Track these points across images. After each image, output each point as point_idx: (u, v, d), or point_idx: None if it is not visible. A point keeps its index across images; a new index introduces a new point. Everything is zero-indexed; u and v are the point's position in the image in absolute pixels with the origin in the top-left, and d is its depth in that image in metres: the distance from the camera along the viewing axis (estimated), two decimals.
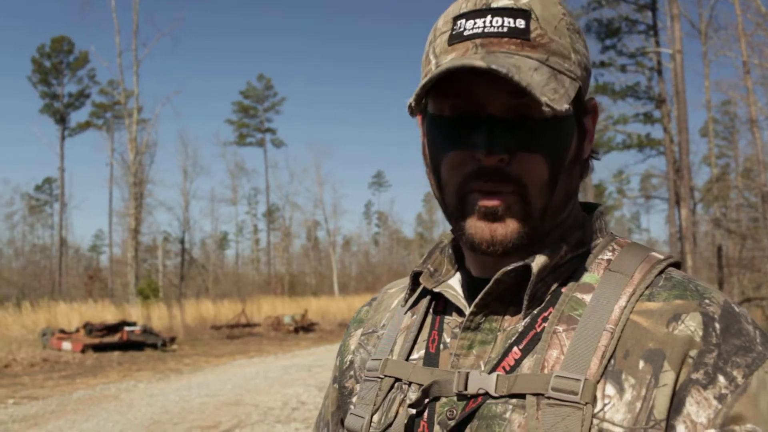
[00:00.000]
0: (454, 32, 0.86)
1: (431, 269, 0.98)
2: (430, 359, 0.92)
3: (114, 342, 18.19)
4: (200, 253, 55.16)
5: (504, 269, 0.86)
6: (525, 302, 0.86)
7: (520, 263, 0.86)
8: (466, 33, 0.85)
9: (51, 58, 49.51)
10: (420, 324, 0.98)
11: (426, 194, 73.88)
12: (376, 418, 0.93)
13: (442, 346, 0.92)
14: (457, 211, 0.88)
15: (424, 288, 0.99)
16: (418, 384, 0.90)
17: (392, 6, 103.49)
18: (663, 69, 26.29)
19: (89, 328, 18.91)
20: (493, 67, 0.77)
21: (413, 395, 0.90)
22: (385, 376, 0.95)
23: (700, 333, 0.79)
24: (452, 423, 0.85)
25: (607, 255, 0.90)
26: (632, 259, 0.88)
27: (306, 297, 37.58)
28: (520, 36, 0.83)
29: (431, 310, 0.98)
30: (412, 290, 1.00)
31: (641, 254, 0.89)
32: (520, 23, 0.83)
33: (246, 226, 64.05)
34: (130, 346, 18.24)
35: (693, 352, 0.78)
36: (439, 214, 72.30)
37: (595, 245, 0.92)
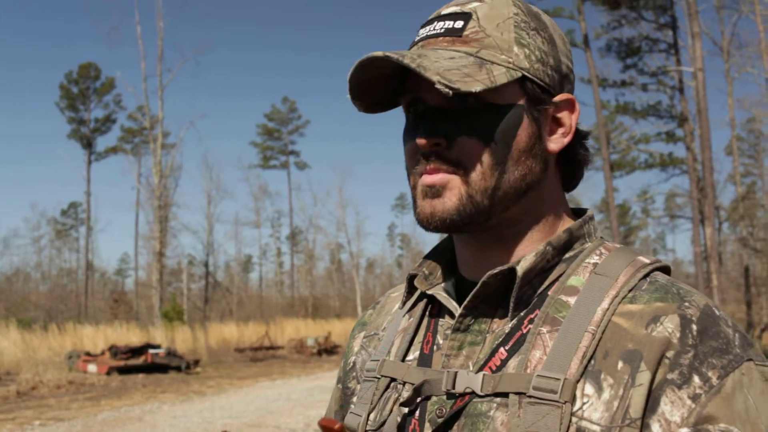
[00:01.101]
0: (413, 41, 0.97)
1: (426, 272, 1.01)
2: (424, 360, 0.96)
3: (138, 364, 18.32)
4: (224, 276, 55.44)
5: (490, 272, 0.89)
6: (511, 304, 0.89)
7: (505, 267, 0.89)
8: (416, 39, 0.96)
9: (78, 84, 50.42)
10: (416, 326, 1.01)
11: None
12: (372, 416, 0.97)
13: (435, 347, 0.96)
14: (412, 195, 0.94)
15: (422, 291, 1.02)
16: (411, 384, 0.94)
17: (414, 26, 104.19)
18: (685, 87, 26.14)
19: (114, 350, 19.06)
20: (387, 54, 0.84)
21: (406, 394, 0.94)
22: (382, 376, 0.99)
23: (677, 334, 0.81)
24: (441, 420, 0.88)
25: (594, 259, 0.92)
26: (618, 263, 0.90)
27: (329, 319, 37.58)
28: (453, 34, 0.91)
29: (427, 313, 1.02)
30: (409, 293, 1.04)
31: (628, 258, 0.91)
32: (458, 24, 0.92)
33: (270, 249, 64.33)
34: (154, 368, 18.35)
35: (669, 353, 0.80)
36: None
37: (583, 249, 0.94)
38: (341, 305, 52.89)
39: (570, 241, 0.94)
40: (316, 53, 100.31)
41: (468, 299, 0.91)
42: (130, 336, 23.90)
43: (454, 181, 0.90)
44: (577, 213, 1.01)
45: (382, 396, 0.98)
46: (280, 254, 62.41)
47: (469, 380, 0.87)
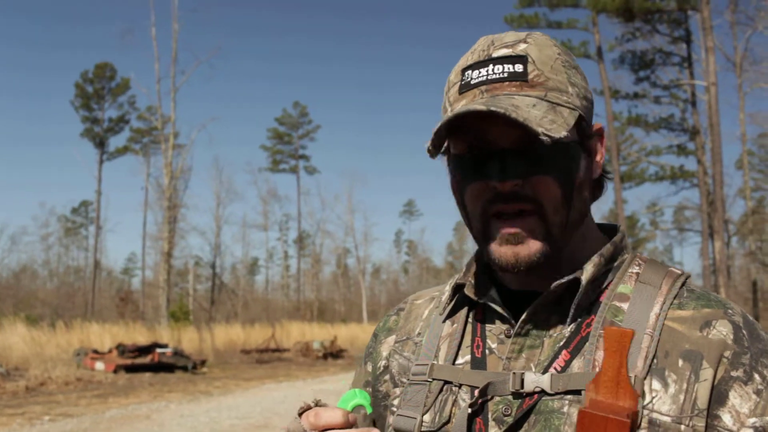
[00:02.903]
0: (463, 82, 0.99)
1: (472, 282, 1.07)
2: (477, 363, 1.02)
3: (146, 363, 18.38)
4: (230, 278, 55.61)
5: (558, 282, 0.97)
6: (572, 310, 0.96)
7: (571, 276, 0.97)
8: (472, 82, 0.98)
9: (93, 84, 50.68)
10: (462, 332, 1.07)
11: (457, 223, 73.81)
12: (427, 417, 1.02)
13: (487, 351, 1.02)
14: (482, 236, 0.99)
15: (460, 299, 1.09)
16: (469, 386, 1.00)
17: (427, 36, 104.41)
18: (697, 101, 26.16)
19: (122, 349, 19.15)
20: (492, 108, 0.88)
21: (465, 396, 0.99)
22: (434, 379, 1.04)
23: (731, 337, 0.92)
24: (509, 419, 0.94)
25: (636, 269, 1.02)
26: (657, 273, 1.00)
27: (335, 323, 37.62)
28: (519, 78, 0.95)
29: (470, 320, 1.08)
30: (450, 300, 1.10)
31: (662, 269, 1.01)
32: (519, 68, 0.96)
33: (276, 252, 64.54)
34: (161, 367, 18.41)
35: (727, 353, 0.91)
36: (470, 244, 71.97)
37: (623, 260, 1.03)
38: (347, 310, 52.93)
39: (615, 253, 1.03)
40: (328, 60, 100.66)
41: (532, 306, 0.98)
42: (136, 335, 23.98)
43: (534, 224, 0.95)
44: (602, 227, 1.11)
45: (436, 398, 1.02)
46: (287, 257, 62.57)
47: (538, 380, 0.94)
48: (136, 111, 50.52)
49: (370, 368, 1.19)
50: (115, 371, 17.45)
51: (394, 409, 1.07)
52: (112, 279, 62.60)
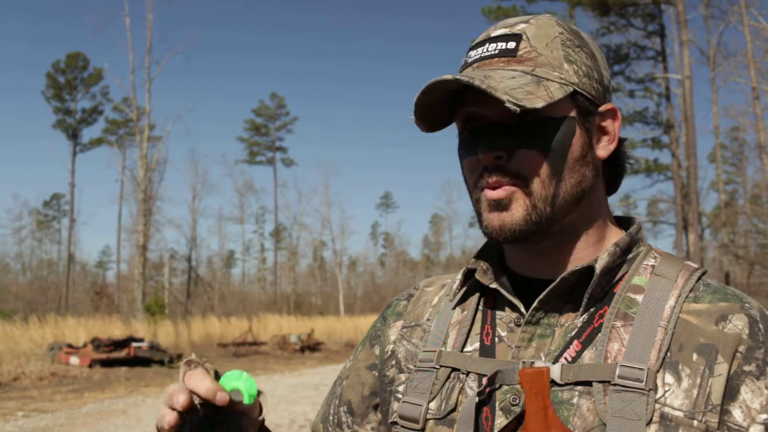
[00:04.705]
0: (464, 62, 1.03)
1: (484, 268, 1.05)
2: (486, 351, 1.00)
3: (121, 357, 18.22)
4: (206, 270, 55.28)
5: (572, 269, 0.96)
6: (585, 300, 0.95)
7: (585, 264, 0.96)
8: (469, 61, 1.01)
9: (66, 74, 49.87)
10: (471, 319, 1.05)
11: (433, 216, 73.91)
12: (433, 405, 1.00)
13: (497, 339, 1.01)
14: (476, 209, 1.01)
15: (471, 285, 1.08)
16: (477, 373, 0.98)
17: (404, 31, 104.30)
18: (671, 95, 26.42)
19: (97, 343, 18.96)
20: (457, 77, 0.91)
21: (473, 384, 0.98)
22: (441, 366, 1.02)
23: (747, 332, 0.90)
24: (517, 409, 0.92)
25: (651, 261, 1.00)
26: (673, 266, 0.99)
27: (312, 316, 37.55)
28: (507, 55, 0.97)
29: (480, 306, 1.06)
30: (462, 286, 1.08)
31: (679, 263, 1.00)
32: (511, 45, 0.98)
33: (253, 244, 64.25)
34: (137, 361, 18.25)
35: (741, 348, 0.89)
36: (446, 236, 72.26)
37: (639, 252, 1.02)
38: (323, 303, 52.88)
39: (631, 244, 1.01)
40: (306, 52, 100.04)
41: (545, 294, 0.96)
42: (111, 329, 23.76)
43: (518, 193, 0.95)
44: (619, 219, 1.09)
45: (443, 385, 1.01)
46: (264, 250, 62.27)
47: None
48: (110, 102, 49.85)
49: (377, 352, 1.16)
50: (91, 366, 17.27)
51: (399, 395, 1.06)
52: (86, 272, 62.01)
